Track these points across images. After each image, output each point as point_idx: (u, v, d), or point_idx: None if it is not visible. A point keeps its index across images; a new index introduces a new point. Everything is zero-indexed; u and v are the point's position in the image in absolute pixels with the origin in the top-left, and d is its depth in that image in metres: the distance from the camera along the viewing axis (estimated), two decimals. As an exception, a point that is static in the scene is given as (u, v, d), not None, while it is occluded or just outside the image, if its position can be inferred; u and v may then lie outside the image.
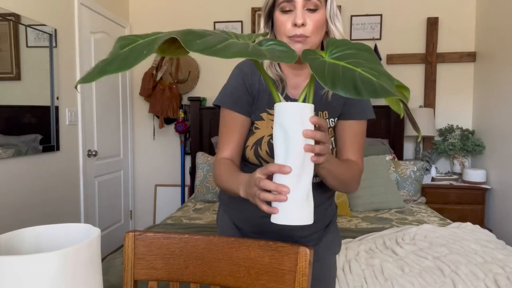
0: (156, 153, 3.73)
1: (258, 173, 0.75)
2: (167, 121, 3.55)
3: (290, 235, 1.08)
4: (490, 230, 2.54)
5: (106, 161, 3.25)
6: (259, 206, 0.73)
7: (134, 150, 3.75)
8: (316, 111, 1.03)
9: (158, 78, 3.43)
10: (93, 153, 2.99)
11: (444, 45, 3.36)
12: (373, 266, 1.63)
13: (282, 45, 0.64)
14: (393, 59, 3.40)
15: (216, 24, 3.55)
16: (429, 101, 3.39)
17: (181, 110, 3.51)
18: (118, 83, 3.46)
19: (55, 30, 2.55)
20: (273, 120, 0.96)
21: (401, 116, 0.65)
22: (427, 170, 3.27)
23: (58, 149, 2.60)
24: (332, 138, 1.07)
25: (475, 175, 3.08)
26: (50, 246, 0.56)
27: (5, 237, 0.53)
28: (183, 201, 3.58)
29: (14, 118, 2.24)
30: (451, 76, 3.40)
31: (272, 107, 1.04)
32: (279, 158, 0.69)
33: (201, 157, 3.19)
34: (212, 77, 3.61)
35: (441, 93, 3.41)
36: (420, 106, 3.39)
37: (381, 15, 3.40)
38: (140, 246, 0.85)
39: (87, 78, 0.51)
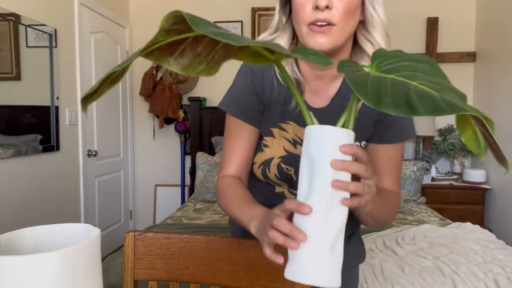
0: (156, 153, 3.73)
1: (277, 210, 0.60)
2: (167, 121, 3.55)
3: None
4: (490, 230, 2.54)
5: (106, 161, 3.25)
6: (263, 248, 0.59)
7: (134, 150, 3.75)
8: None
9: (158, 78, 3.43)
10: (93, 153, 2.99)
11: (444, 45, 3.36)
12: (373, 266, 1.63)
13: (314, 53, 0.52)
14: (393, 59, 3.40)
15: (216, 24, 3.55)
16: (429, 101, 3.39)
17: (181, 110, 3.51)
18: (118, 83, 3.46)
19: (55, 30, 2.56)
20: (286, 139, 0.86)
21: (482, 159, 0.50)
22: (427, 170, 3.27)
23: (58, 149, 2.60)
24: None
25: (475, 175, 3.08)
26: (50, 246, 0.56)
27: (5, 237, 0.53)
28: (183, 201, 3.58)
29: (14, 118, 2.24)
30: (451, 76, 3.35)
31: (286, 121, 0.86)
32: (301, 194, 0.54)
33: (201, 157, 3.19)
34: (212, 77, 3.61)
35: (441, 93, 3.41)
36: (420, 106, 3.39)
37: (381, 15, 3.39)
38: (140, 246, 0.85)
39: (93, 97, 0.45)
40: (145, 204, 3.77)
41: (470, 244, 1.83)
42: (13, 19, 2.22)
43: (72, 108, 2.78)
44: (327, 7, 0.72)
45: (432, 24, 3.34)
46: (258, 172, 0.90)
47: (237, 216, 0.78)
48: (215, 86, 3.53)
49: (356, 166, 0.53)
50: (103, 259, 2.01)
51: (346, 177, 0.53)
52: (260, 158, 0.88)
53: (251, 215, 0.71)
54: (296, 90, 0.57)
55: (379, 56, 0.52)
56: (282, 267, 0.80)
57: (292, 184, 0.89)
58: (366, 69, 0.50)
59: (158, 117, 3.55)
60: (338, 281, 0.51)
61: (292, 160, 0.86)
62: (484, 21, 3.25)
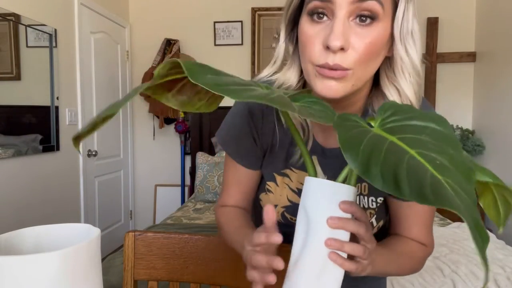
0: (156, 153, 3.73)
1: (250, 246, 0.54)
2: (167, 121, 3.55)
3: None
4: (490, 230, 2.53)
5: (106, 161, 3.25)
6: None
7: (134, 150, 3.75)
8: None
9: (158, 78, 3.43)
10: (93, 153, 2.99)
11: (444, 45, 3.36)
12: (373, 266, 1.63)
13: (319, 103, 0.46)
14: (393, 59, 3.40)
15: (216, 24, 3.55)
16: (429, 101, 3.38)
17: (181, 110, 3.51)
18: (118, 83, 3.46)
19: (55, 30, 2.55)
20: (289, 188, 0.76)
21: (499, 231, 0.44)
22: (427, 170, 3.26)
23: (58, 149, 2.60)
24: (374, 218, 0.75)
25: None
26: (50, 246, 0.56)
27: (5, 237, 0.53)
28: (183, 201, 3.58)
29: (14, 118, 2.24)
30: (451, 76, 3.40)
31: (290, 167, 0.75)
32: (295, 250, 0.50)
33: (201, 157, 3.19)
34: (212, 77, 3.61)
35: (441, 93, 3.41)
36: (420, 106, 3.39)
37: (381, 15, 3.40)
38: (140, 246, 0.85)
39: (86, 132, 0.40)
40: (145, 204, 3.77)
41: (470, 244, 1.83)
42: (13, 19, 2.22)
43: (72, 108, 2.78)
44: (342, 48, 0.55)
45: (432, 24, 3.34)
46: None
47: (232, 243, 0.73)
48: (215, 86, 3.53)
49: (354, 224, 0.48)
50: (103, 259, 2.00)
51: (345, 236, 0.48)
52: (265, 199, 0.80)
53: (242, 241, 0.63)
54: (300, 139, 0.50)
55: (388, 108, 0.46)
56: (283, 268, 0.79)
57: None
58: (368, 125, 0.44)
59: (158, 117, 3.54)
60: None
61: (296, 210, 0.77)
62: (484, 21, 3.25)
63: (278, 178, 0.76)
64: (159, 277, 0.85)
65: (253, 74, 3.52)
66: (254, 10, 3.51)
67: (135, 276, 0.85)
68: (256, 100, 0.39)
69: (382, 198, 0.73)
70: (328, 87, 0.58)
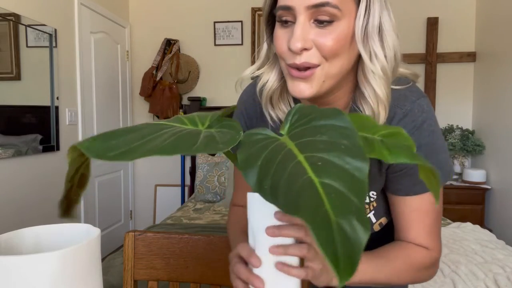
0: (156, 153, 3.72)
1: (235, 254, 0.55)
2: (167, 121, 3.54)
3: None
4: (490, 230, 2.53)
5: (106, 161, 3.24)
6: None
7: (134, 150, 3.75)
8: None
9: (158, 78, 3.43)
10: (93, 153, 2.99)
11: (444, 45, 3.36)
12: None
13: (230, 126, 0.44)
14: (393, 59, 3.40)
15: (216, 24, 3.55)
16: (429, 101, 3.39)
17: (181, 110, 3.51)
18: (118, 83, 3.46)
19: (55, 30, 2.55)
20: None
21: (436, 205, 0.45)
22: (427, 170, 3.26)
23: (58, 149, 2.60)
24: (372, 214, 0.77)
25: (475, 175, 3.08)
26: (50, 246, 0.56)
27: (5, 237, 0.53)
28: (183, 201, 3.58)
29: (14, 118, 2.24)
30: (451, 76, 3.40)
31: None
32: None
33: (201, 157, 3.19)
34: (212, 77, 3.61)
35: (441, 93, 3.41)
36: (420, 106, 3.39)
37: (381, 15, 3.39)
38: (140, 246, 0.85)
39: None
40: (145, 204, 3.77)
41: (470, 244, 1.83)
42: (13, 19, 2.22)
43: (72, 108, 2.78)
44: (305, 49, 0.59)
45: (432, 24, 3.34)
46: None
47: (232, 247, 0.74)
48: (215, 86, 3.54)
49: (293, 229, 0.48)
50: (103, 259, 2.00)
51: (289, 243, 0.49)
52: None
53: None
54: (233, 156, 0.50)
55: (295, 113, 0.45)
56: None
57: None
58: (276, 135, 0.43)
59: (158, 117, 3.54)
60: None
61: None
62: (484, 21, 3.25)
63: None
64: (159, 277, 0.85)
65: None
66: (254, 10, 3.51)
67: (135, 276, 0.85)
68: (146, 155, 0.38)
69: (374, 192, 0.74)
70: (298, 89, 0.62)
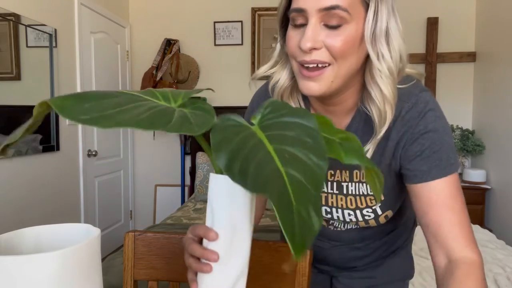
0: (156, 153, 3.73)
1: (189, 233, 0.59)
2: (167, 121, 3.54)
3: (344, 267, 0.93)
4: (490, 230, 2.53)
5: (106, 161, 3.25)
6: (187, 275, 0.58)
7: (134, 150, 3.75)
8: (346, 168, 0.78)
9: (158, 78, 3.43)
10: (93, 153, 2.99)
11: (444, 45, 3.36)
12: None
13: (203, 109, 0.46)
14: (393, 59, 3.40)
15: (216, 24, 3.55)
16: (429, 101, 3.39)
17: (181, 110, 3.51)
18: (118, 83, 3.46)
19: (55, 30, 2.55)
20: None
21: (378, 202, 0.51)
22: (427, 170, 3.26)
23: (58, 149, 2.60)
24: (378, 206, 0.79)
25: (475, 175, 3.08)
26: (50, 246, 0.56)
27: (5, 237, 0.53)
28: (183, 201, 3.59)
29: (14, 118, 2.24)
30: (451, 76, 3.40)
31: None
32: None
33: (201, 157, 3.19)
34: (212, 77, 3.61)
35: (441, 93, 3.41)
36: (420, 106, 3.40)
37: (381, 15, 3.40)
38: (140, 246, 0.85)
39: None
40: (145, 204, 3.77)
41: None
42: (13, 19, 2.22)
43: (72, 108, 2.77)
44: (315, 48, 0.63)
45: (432, 24, 3.34)
46: None
47: None
48: (215, 86, 3.53)
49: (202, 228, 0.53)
50: (103, 259, 2.01)
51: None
52: None
53: None
54: (207, 146, 0.51)
55: (267, 106, 0.49)
56: (280, 267, 0.80)
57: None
58: (248, 125, 0.46)
59: (158, 117, 3.54)
60: None
61: None
62: (484, 21, 3.25)
63: None
64: (159, 277, 0.85)
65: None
66: (254, 10, 3.51)
67: (135, 276, 0.85)
68: (123, 126, 0.39)
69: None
70: (307, 87, 0.66)
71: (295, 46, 0.65)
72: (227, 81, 3.54)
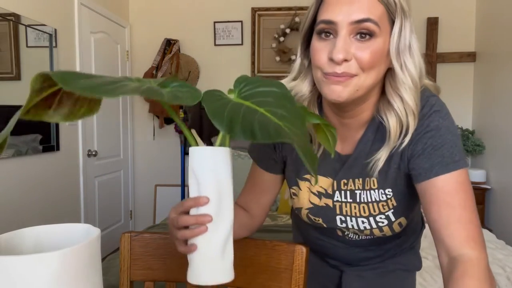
0: (156, 153, 3.73)
1: (173, 213, 0.61)
2: (167, 121, 3.55)
3: (351, 263, 0.96)
4: (490, 230, 2.53)
5: (106, 161, 3.25)
6: (178, 250, 0.61)
7: (134, 150, 3.75)
8: (360, 177, 0.79)
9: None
10: (93, 153, 2.99)
11: (444, 45, 3.36)
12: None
13: (186, 86, 0.52)
14: (393, 59, 3.41)
15: (216, 24, 3.55)
16: (429, 101, 3.39)
17: (181, 110, 3.51)
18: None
19: (55, 30, 2.56)
20: (311, 191, 0.85)
21: (332, 156, 0.58)
22: (427, 170, 3.26)
23: (58, 149, 2.60)
24: (391, 212, 0.80)
25: (475, 175, 3.08)
26: (50, 246, 0.56)
27: (5, 237, 0.53)
28: (183, 201, 3.59)
29: (14, 118, 2.24)
30: (451, 76, 3.40)
31: (307, 173, 0.84)
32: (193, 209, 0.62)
33: (201, 157, 3.19)
34: (212, 77, 3.61)
35: (441, 93, 3.39)
36: (420, 106, 3.40)
37: (381, 15, 3.40)
38: (136, 247, 0.85)
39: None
40: (145, 204, 3.77)
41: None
42: (13, 19, 2.22)
43: (72, 108, 2.78)
44: (345, 60, 0.65)
45: (432, 24, 3.34)
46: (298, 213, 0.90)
47: None
48: (215, 86, 3.51)
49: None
50: (103, 259, 2.01)
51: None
52: (294, 203, 0.90)
53: None
54: (191, 135, 0.61)
55: (241, 82, 0.56)
56: (278, 266, 0.80)
57: (326, 226, 0.88)
58: (230, 96, 0.54)
59: (158, 117, 3.54)
60: (231, 275, 0.58)
61: (318, 211, 0.85)
62: (484, 21, 3.25)
63: (300, 183, 0.85)
64: (156, 277, 0.85)
65: (253, 74, 3.52)
66: (254, 10, 3.51)
67: (132, 277, 0.85)
68: (128, 94, 0.44)
69: (390, 190, 0.78)
70: (332, 91, 0.67)
71: (323, 57, 0.67)
72: (227, 81, 3.53)
